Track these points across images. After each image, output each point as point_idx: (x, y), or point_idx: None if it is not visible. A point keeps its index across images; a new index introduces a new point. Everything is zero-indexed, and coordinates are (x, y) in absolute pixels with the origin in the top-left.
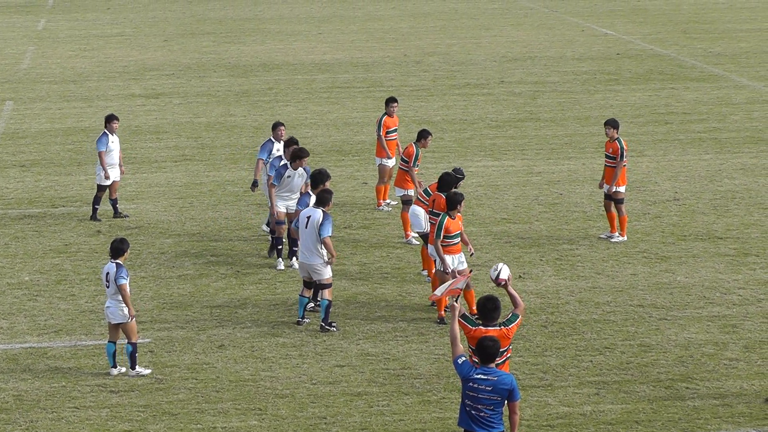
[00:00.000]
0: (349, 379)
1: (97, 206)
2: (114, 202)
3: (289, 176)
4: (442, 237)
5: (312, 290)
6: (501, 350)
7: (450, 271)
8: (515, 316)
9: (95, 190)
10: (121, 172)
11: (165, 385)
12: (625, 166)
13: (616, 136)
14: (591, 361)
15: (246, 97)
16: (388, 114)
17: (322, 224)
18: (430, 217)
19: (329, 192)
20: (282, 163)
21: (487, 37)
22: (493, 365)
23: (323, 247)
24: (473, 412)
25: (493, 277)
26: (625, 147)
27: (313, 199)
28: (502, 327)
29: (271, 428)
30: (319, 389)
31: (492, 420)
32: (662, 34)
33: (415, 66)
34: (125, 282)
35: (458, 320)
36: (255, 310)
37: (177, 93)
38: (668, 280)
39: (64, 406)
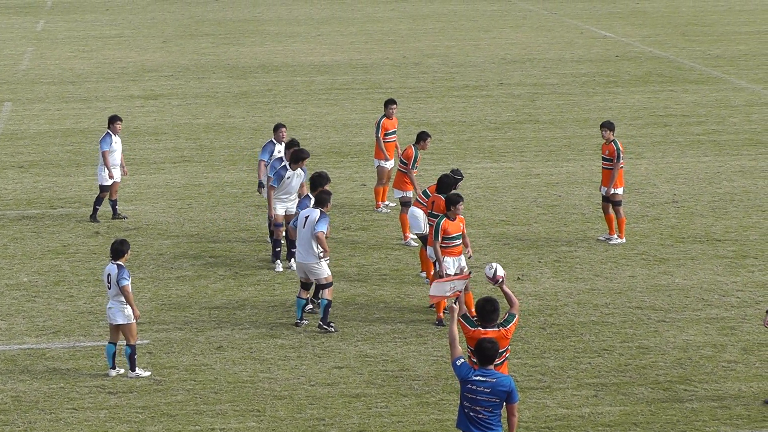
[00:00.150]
0: (348, 381)
1: (98, 206)
2: (113, 203)
3: (288, 177)
4: (440, 239)
5: (309, 291)
6: (500, 351)
7: (444, 274)
8: (512, 316)
9: (97, 191)
10: (124, 173)
11: (163, 387)
12: (622, 167)
13: (612, 138)
14: (589, 363)
15: (245, 98)
16: (387, 116)
17: (318, 221)
18: (429, 219)
19: (328, 193)
20: (282, 164)
21: (486, 39)
22: (491, 367)
23: (317, 243)
24: (472, 413)
25: (490, 275)
26: (621, 149)
27: (312, 201)
28: (501, 328)
29: (269, 429)
30: (318, 391)
31: (490, 422)
32: (661, 36)
33: (414, 68)
34: (127, 283)
35: (458, 320)
36: (253, 312)
37: (176, 94)
38: (667, 282)
39: (62, 407)
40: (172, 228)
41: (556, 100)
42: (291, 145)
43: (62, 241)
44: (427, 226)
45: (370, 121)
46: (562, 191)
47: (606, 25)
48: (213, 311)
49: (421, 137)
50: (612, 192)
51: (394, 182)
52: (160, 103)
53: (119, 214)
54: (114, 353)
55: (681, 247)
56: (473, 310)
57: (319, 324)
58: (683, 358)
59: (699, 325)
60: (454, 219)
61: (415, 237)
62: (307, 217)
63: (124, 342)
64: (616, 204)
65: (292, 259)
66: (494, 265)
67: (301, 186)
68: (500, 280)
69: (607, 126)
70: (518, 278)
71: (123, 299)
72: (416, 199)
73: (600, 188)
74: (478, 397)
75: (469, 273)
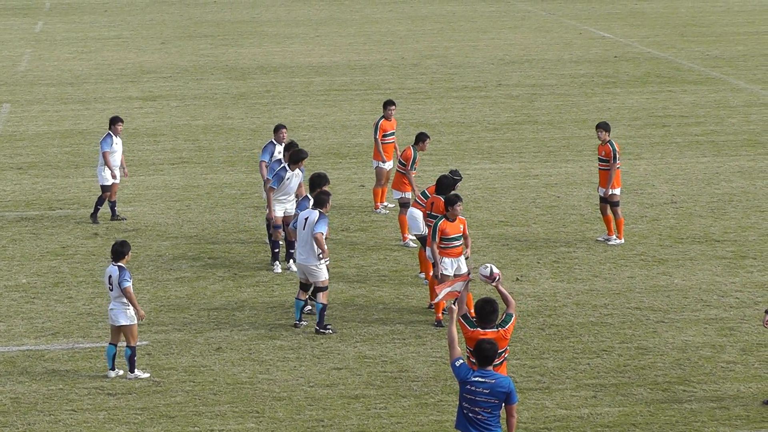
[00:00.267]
0: (347, 382)
1: (99, 206)
2: (112, 205)
3: (288, 178)
4: (438, 240)
5: (308, 293)
6: (499, 351)
7: (439, 275)
8: (509, 316)
9: (97, 192)
10: (124, 174)
11: (162, 388)
12: (618, 168)
13: (607, 138)
14: (588, 364)
15: (243, 99)
16: (386, 117)
17: (317, 222)
18: (428, 220)
19: (327, 193)
20: (281, 166)
21: (485, 40)
22: (490, 368)
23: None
24: (471, 414)
25: (486, 274)
26: (617, 149)
27: (312, 202)
28: (499, 329)
29: (268, 431)
30: (317, 392)
31: (489, 423)
32: (660, 37)
33: (413, 69)
34: (129, 284)
35: (459, 320)
36: (252, 313)
37: (174, 95)
38: (665, 282)
39: (61, 408)
40: (170, 229)
41: (555, 100)
42: (290, 147)
43: (61, 242)
44: (426, 227)
45: (368, 122)
46: (561, 192)
47: (604, 26)
48: (212, 312)
49: (420, 138)
50: (610, 193)
51: (392, 183)
52: (159, 104)
53: (118, 216)
54: (114, 354)
55: (680, 247)
56: (473, 311)
57: (316, 329)
58: (682, 358)
59: (698, 326)
60: (454, 220)
61: (414, 238)
62: (306, 219)
63: (125, 343)
64: (614, 205)
65: (291, 260)
66: (488, 264)
67: (300, 186)
68: (497, 278)
69: (603, 127)
70: (517, 279)
71: (125, 300)
72: (415, 200)
73: (598, 189)
74: (477, 398)
75: (469, 273)
